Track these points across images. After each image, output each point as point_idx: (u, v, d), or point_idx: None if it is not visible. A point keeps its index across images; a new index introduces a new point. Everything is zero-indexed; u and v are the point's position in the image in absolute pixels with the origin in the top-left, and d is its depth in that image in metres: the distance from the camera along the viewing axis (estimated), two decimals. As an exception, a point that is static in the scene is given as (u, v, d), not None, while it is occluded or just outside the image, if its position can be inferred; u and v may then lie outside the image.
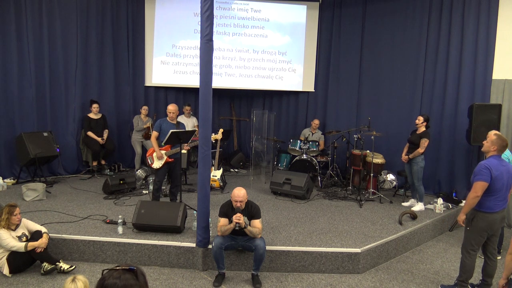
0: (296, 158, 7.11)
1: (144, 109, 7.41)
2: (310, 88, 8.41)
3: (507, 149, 4.54)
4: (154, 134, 5.33)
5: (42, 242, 3.84)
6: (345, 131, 7.14)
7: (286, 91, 8.64)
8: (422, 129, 5.73)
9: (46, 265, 3.83)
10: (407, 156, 5.81)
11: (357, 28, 7.80)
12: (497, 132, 3.79)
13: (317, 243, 4.32)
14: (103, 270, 1.61)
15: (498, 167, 3.49)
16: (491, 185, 3.47)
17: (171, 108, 5.39)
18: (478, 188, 3.48)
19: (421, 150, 5.61)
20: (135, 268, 1.61)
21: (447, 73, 6.59)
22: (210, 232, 4.25)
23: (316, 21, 8.23)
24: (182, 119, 7.83)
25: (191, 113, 7.82)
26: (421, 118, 5.77)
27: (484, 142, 3.69)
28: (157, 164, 5.30)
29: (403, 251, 4.79)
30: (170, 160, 5.37)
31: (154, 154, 5.32)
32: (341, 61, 8.04)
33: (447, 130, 6.60)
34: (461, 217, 3.72)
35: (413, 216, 5.29)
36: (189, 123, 7.81)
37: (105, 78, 7.66)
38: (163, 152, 5.29)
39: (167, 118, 5.42)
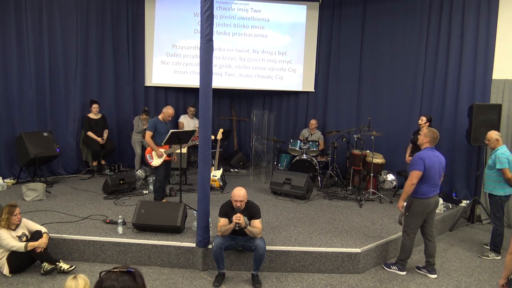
0: (296, 158, 7.11)
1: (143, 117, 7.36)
2: (310, 88, 8.41)
3: (507, 150, 4.56)
4: (149, 133, 5.34)
5: (42, 242, 3.84)
6: (345, 131, 7.14)
7: (286, 91, 8.63)
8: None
9: (46, 265, 3.83)
10: (411, 157, 5.78)
11: (357, 28, 7.80)
12: (431, 129, 4.14)
13: (317, 243, 4.32)
14: (100, 272, 1.60)
15: (431, 157, 3.98)
16: (425, 173, 3.94)
17: (172, 112, 5.52)
18: (414, 176, 3.95)
19: None
20: (133, 270, 1.60)
21: (447, 73, 6.59)
22: (210, 232, 4.25)
23: (316, 21, 8.23)
24: (185, 119, 7.89)
25: (194, 114, 7.86)
26: (424, 119, 5.82)
27: (419, 136, 4.18)
28: (156, 162, 5.34)
29: (403, 251, 4.79)
30: (169, 158, 5.44)
31: (153, 152, 5.35)
32: (341, 61, 8.03)
33: (447, 130, 6.59)
34: (400, 204, 4.15)
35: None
36: (190, 124, 7.85)
37: (105, 78, 7.66)
38: (162, 150, 5.33)
39: (160, 118, 5.46)
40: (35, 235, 3.92)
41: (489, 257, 4.70)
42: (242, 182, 6.94)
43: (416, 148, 5.74)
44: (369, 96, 7.75)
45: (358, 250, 4.19)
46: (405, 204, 4.16)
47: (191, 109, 7.86)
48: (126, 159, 8.02)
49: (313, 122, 7.73)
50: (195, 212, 4.55)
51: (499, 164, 4.48)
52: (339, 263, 4.17)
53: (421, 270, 4.24)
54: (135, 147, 7.32)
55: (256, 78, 8.40)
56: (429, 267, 4.19)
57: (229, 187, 6.69)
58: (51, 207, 5.27)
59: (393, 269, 4.26)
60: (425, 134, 4.07)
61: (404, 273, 4.21)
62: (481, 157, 6.06)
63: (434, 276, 4.14)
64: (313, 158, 7.04)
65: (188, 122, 7.87)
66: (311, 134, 7.71)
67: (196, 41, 7.82)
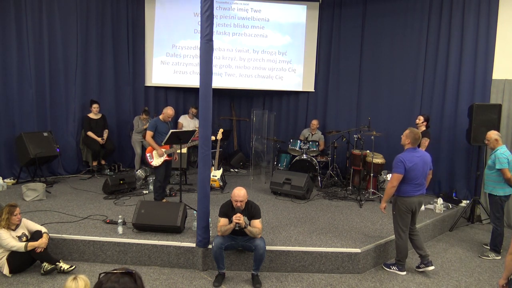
0: (296, 158, 7.10)
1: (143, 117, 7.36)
2: (310, 88, 8.41)
3: (507, 150, 4.56)
4: (150, 133, 5.39)
5: (42, 242, 3.84)
6: (345, 131, 7.14)
7: (286, 91, 8.64)
8: (423, 128, 5.82)
9: (46, 265, 3.83)
10: None
11: (357, 28, 7.80)
12: (413, 129, 4.14)
13: (317, 243, 4.32)
14: (100, 274, 1.60)
15: (412, 158, 4.00)
16: (406, 175, 3.99)
17: (172, 112, 5.55)
18: (394, 179, 4.03)
19: (422, 149, 5.62)
20: (133, 271, 1.60)
21: (447, 73, 6.59)
22: (210, 232, 4.25)
23: (316, 21, 8.23)
24: (184, 119, 7.88)
25: (195, 115, 7.86)
26: (421, 118, 5.87)
27: (402, 136, 4.21)
28: (156, 162, 5.36)
29: (403, 251, 4.79)
30: (169, 158, 5.46)
31: (154, 152, 5.36)
32: (341, 61, 8.04)
33: (447, 130, 6.60)
34: (382, 205, 4.28)
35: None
36: (190, 124, 7.85)
37: (105, 78, 7.66)
38: (163, 150, 5.35)
39: (160, 118, 5.50)
40: (35, 235, 3.92)
41: (489, 257, 4.70)
42: (242, 182, 6.94)
43: None
44: (369, 96, 7.75)
45: (358, 250, 4.19)
46: (391, 205, 4.21)
47: (193, 110, 7.85)
48: (126, 159, 8.02)
49: (314, 122, 7.73)
50: (195, 212, 4.55)
51: (498, 164, 4.48)
52: (339, 263, 4.17)
53: (420, 268, 4.24)
54: (135, 147, 7.32)
55: (256, 78, 8.40)
56: (424, 260, 4.20)
57: (229, 187, 6.69)
58: (51, 207, 5.27)
59: (393, 269, 4.27)
60: (407, 135, 4.09)
61: (404, 273, 4.21)
62: (481, 157, 6.07)
63: (432, 267, 4.15)
64: (313, 158, 7.04)
65: (188, 123, 7.87)
66: (312, 134, 7.71)
67: (196, 41, 7.82)
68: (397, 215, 4.16)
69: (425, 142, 5.64)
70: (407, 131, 4.14)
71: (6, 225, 3.78)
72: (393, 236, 4.62)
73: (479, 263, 4.59)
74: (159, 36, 8.09)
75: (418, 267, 4.28)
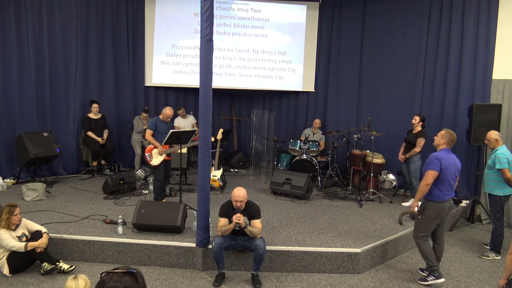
0: (296, 158, 7.11)
1: (143, 116, 7.36)
2: (310, 88, 8.41)
3: (507, 150, 4.56)
4: (150, 132, 5.40)
5: (42, 242, 3.84)
6: (345, 131, 7.14)
7: (286, 91, 8.64)
8: (418, 128, 5.88)
9: (46, 265, 3.83)
10: (403, 156, 5.96)
11: (357, 28, 7.80)
12: (448, 130, 3.98)
13: (317, 243, 4.32)
14: (101, 273, 1.60)
15: (447, 159, 3.83)
16: (440, 174, 3.78)
17: (170, 113, 5.56)
18: (429, 176, 3.79)
19: (417, 149, 5.75)
20: (134, 270, 1.60)
21: (447, 73, 6.59)
22: (210, 232, 4.25)
23: (316, 21, 8.23)
24: (179, 121, 7.84)
25: (190, 113, 7.83)
26: (417, 118, 5.93)
27: (435, 137, 4.04)
28: (156, 161, 5.36)
29: (403, 251, 4.79)
30: (168, 158, 5.47)
31: (154, 151, 5.37)
32: (341, 61, 8.03)
33: (447, 130, 6.59)
34: (414, 205, 4.00)
35: (413, 216, 5.28)
36: (187, 122, 7.83)
37: (105, 78, 7.66)
38: (163, 149, 5.36)
39: (160, 117, 5.53)
40: (35, 235, 3.92)
41: (489, 257, 4.70)
42: (242, 182, 6.94)
43: (410, 147, 5.85)
44: (369, 96, 7.75)
45: (358, 250, 4.19)
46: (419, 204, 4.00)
47: (179, 111, 7.79)
48: (126, 159, 8.02)
49: (317, 121, 7.74)
50: (195, 212, 4.55)
51: (498, 164, 4.48)
52: (339, 263, 4.17)
53: (423, 272, 4.15)
54: (135, 147, 7.32)
55: (256, 78, 8.40)
56: (433, 271, 4.04)
57: (229, 187, 6.69)
58: (51, 207, 5.27)
59: (431, 279, 3.95)
60: (442, 136, 3.92)
61: (443, 280, 3.93)
62: (481, 157, 6.07)
63: (440, 280, 3.98)
64: (313, 158, 7.04)
65: (184, 123, 7.82)
66: (314, 134, 7.70)
67: (196, 41, 7.83)
68: (423, 219, 3.92)
69: (421, 142, 5.68)
70: (442, 132, 3.94)
71: (6, 225, 3.79)
72: (393, 236, 4.62)
73: (479, 263, 4.60)
74: (159, 36, 8.09)
75: (422, 270, 4.19)
